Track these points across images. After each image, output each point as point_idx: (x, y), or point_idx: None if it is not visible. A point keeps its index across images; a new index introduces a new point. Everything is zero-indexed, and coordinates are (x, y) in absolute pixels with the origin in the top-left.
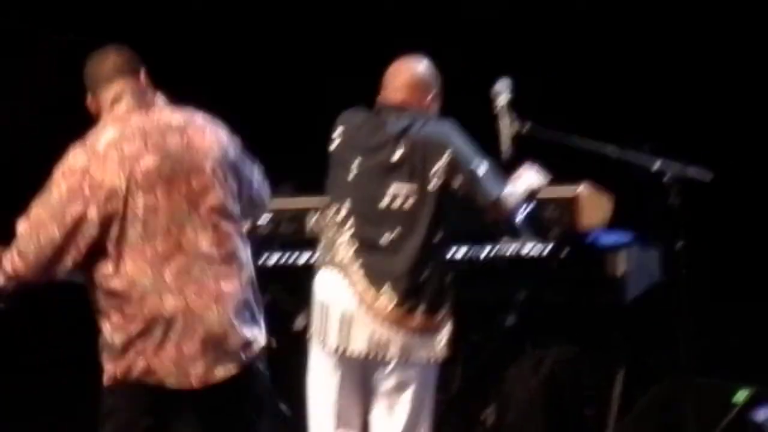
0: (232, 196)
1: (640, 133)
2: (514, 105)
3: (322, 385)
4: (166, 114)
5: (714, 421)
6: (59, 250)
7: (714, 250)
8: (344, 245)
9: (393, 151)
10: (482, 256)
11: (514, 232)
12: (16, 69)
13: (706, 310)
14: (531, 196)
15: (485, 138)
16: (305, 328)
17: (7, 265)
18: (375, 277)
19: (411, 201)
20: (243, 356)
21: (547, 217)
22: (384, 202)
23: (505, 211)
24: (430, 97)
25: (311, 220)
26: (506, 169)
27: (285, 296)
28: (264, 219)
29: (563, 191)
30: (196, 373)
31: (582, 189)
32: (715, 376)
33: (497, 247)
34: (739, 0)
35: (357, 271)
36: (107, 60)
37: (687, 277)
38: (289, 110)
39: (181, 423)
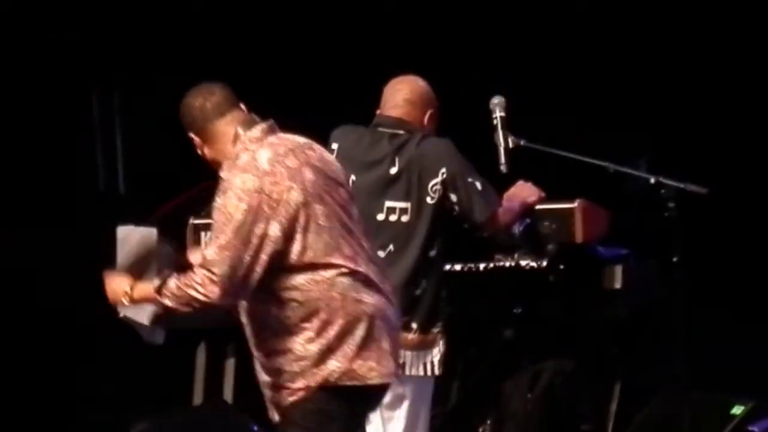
0: None
1: (638, 147)
2: (509, 120)
3: None
4: (287, 134)
5: None
6: (248, 271)
7: (711, 264)
8: None
9: (390, 167)
10: (479, 269)
11: (510, 248)
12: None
13: (704, 324)
14: (526, 211)
15: (481, 152)
16: None
17: (197, 294)
18: None
19: (407, 216)
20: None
21: (544, 231)
22: (380, 217)
23: (501, 227)
24: (427, 115)
25: None
26: (503, 183)
27: None
28: None
29: (560, 205)
30: (389, 370)
31: (579, 203)
32: (713, 390)
33: (494, 261)
34: (736, 11)
35: None
36: (213, 96)
37: (684, 291)
38: (289, 112)
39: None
